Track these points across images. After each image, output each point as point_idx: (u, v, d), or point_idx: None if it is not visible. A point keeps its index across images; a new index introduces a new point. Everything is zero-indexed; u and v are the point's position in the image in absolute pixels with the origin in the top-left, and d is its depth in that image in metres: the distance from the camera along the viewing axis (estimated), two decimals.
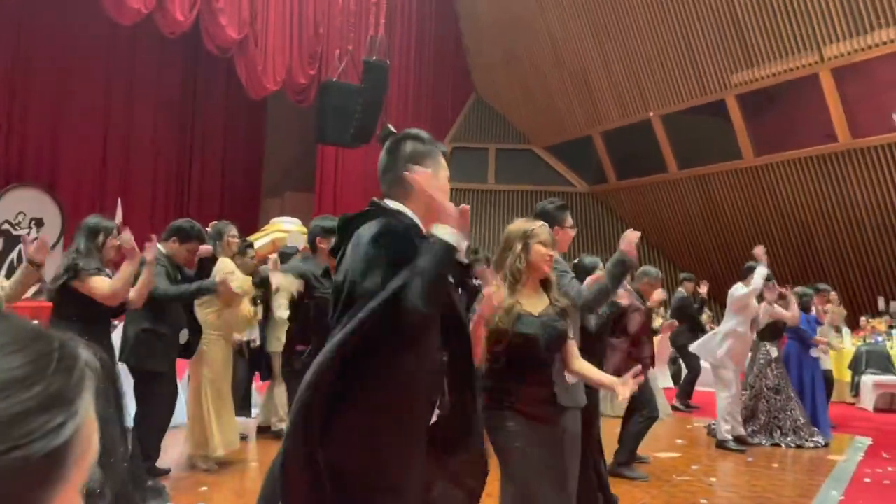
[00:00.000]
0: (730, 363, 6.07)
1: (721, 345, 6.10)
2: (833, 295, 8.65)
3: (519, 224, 2.70)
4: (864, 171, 11.32)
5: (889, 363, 8.27)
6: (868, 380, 7.63)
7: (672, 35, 12.56)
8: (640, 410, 5.02)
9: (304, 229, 5.30)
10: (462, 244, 1.80)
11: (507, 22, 15.11)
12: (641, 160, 14.62)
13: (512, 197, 16.07)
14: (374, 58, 11.19)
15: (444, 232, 1.78)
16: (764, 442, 6.20)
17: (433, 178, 1.90)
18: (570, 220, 3.52)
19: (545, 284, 2.65)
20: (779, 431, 6.23)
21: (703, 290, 8.29)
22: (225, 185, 14.99)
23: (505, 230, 2.72)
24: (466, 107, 16.96)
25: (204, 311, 4.58)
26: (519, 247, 2.60)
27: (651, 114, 13.70)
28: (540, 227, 2.67)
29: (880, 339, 8.53)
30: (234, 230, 4.96)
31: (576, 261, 4.47)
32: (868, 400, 7.84)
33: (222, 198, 14.78)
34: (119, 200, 9.62)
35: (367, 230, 1.85)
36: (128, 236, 3.49)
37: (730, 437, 6.03)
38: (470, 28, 16.33)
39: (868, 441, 6.46)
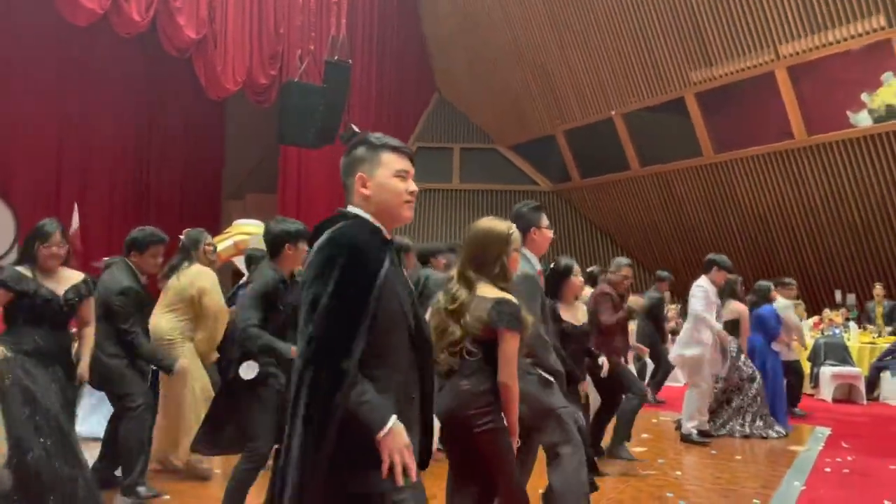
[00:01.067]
0: (711, 358, 6.11)
1: (693, 338, 6.10)
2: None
3: (495, 225, 2.75)
4: (820, 168, 11.57)
5: (846, 354, 8.46)
6: (826, 371, 7.79)
7: (632, 33, 12.70)
8: (628, 392, 5.24)
9: None
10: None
11: (469, 22, 15.12)
12: (604, 158, 14.75)
13: (477, 196, 16.10)
14: (336, 58, 11.11)
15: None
16: (736, 432, 6.27)
17: (371, 181, 2.03)
18: (545, 221, 3.56)
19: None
20: (749, 418, 6.31)
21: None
22: (185, 187, 14.71)
23: (477, 227, 2.75)
24: (430, 107, 16.94)
25: (179, 319, 4.54)
26: (503, 252, 2.70)
27: (613, 112, 13.83)
28: (515, 232, 2.78)
29: (837, 331, 8.72)
30: (209, 238, 4.87)
31: (552, 264, 4.48)
32: (827, 391, 8.01)
33: (182, 200, 14.51)
34: (76, 205, 9.39)
35: (321, 240, 1.98)
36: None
37: (694, 431, 6.11)
38: (432, 28, 16.30)
39: (827, 431, 6.59)
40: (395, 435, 1.83)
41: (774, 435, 6.30)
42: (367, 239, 1.95)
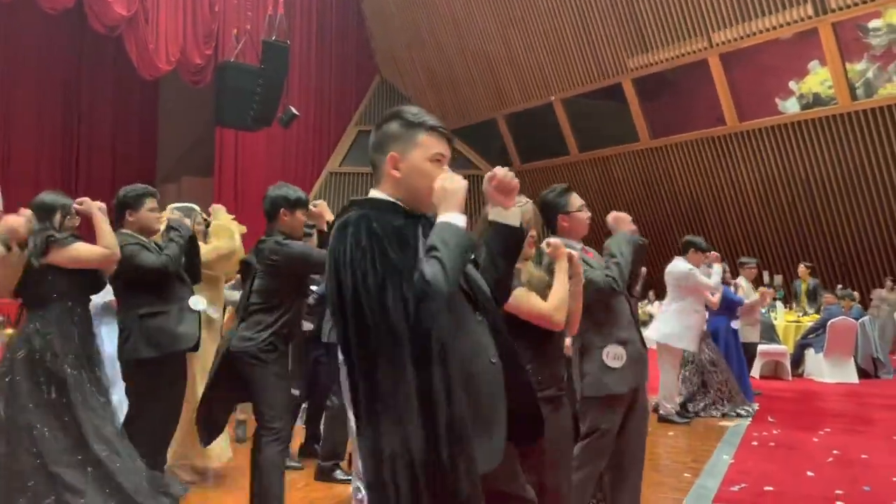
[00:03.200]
0: (689, 343, 6.17)
1: (682, 323, 6.17)
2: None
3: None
4: (749, 153, 11.96)
5: (773, 333, 8.80)
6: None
7: (572, 19, 12.82)
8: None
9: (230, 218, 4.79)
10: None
11: (410, 4, 15.01)
12: (544, 143, 14.91)
13: None
14: (274, 38, 10.90)
15: (448, 217, 1.71)
16: (715, 414, 6.42)
17: (403, 163, 1.79)
18: (576, 203, 3.14)
19: None
20: (723, 402, 6.49)
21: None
22: (116, 170, 14.24)
23: None
24: (371, 90, 16.79)
25: None
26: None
27: (553, 98, 13.97)
28: (527, 204, 2.58)
29: (764, 311, 9.03)
30: (199, 217, 4.51)
31: None
32: (755, 368, 8.32)
33: (113, 183, 13.98)
34: None
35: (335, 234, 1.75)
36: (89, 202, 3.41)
37: (673, 410, 6.23)
38: (373, 10, 16.11)
39: (756, 406, 6.85)
40: (447, 202, 1.73)
41: (744, 413, 6.47)
42: (386, 214, 1.73)
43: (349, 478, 3.83)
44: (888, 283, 11.14)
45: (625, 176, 14.02)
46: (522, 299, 2.43)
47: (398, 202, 1.79)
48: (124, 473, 3.19)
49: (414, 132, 1.81)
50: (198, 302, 3.75)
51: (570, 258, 2.54)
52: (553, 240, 2.44)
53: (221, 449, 4.27)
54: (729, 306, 6.82)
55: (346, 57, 15.73)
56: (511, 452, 1.84)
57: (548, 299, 2.46)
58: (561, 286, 2.47)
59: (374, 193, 1.82)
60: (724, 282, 7.00)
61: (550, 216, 3.11)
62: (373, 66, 16.64)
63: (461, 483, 1.57)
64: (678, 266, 6.22)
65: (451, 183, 1.75)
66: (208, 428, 3.40)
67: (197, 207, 4.57)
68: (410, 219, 1.76)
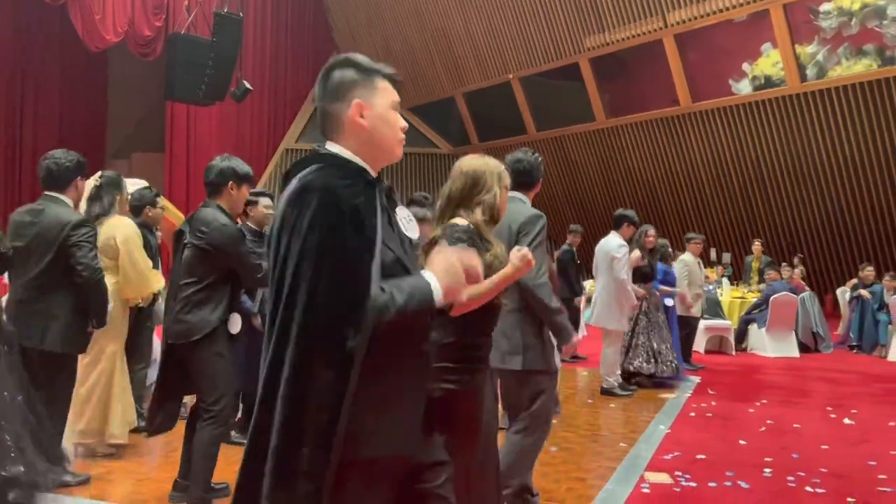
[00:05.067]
0: (618, 322, 6.22)
1: (608, 303, 6.22)
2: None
3: (486, 162, 2.46)
4: (702, 133, 12.12)
5: (719, 309, 8.98)
6: (701, 324, 8.24)
7: None
8: None
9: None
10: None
11: None
12: (502, 122, 14.93)
13: None
14: (226, 10, 10.68)
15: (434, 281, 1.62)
16: (644, 370, 6.50)
17: (369, 110, 1.67)
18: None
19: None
20: (654, 362, 6.55)
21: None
22: (63, 146, 13.68)
23: (466, 165, 2.44)
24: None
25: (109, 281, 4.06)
26: (496, 187, 2.42)
27: (510, 76, 13.96)
28: (505, 170, 2.52)
29: (712, 287, 9.21)
30: (129, 187, 4.45)
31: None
32: (700, 342, 8.49)
33: None
34: None
35: (292, 189, 1.60)
36: None
37: (616, 383, 6.30)
38: None
39: (697, 380, 7.00)
40: (449, 276, 1.62)
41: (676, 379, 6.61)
42: (349, 184, 1.60)
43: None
44: None
45: (581, 155, 14.11)
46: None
47: (362, 165, 1.67)
48: None
49: (372, 78, 1.71)
50: None
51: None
52: (527, 253, 2.26)
53: (124, 425, 4.20)
54: (664, 283, 6.97)
55: (302, 31, 15.49)
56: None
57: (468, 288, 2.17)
58: (488, 287, 2.20)
59: (335, 149, 1.68)
60: (666, 260, 7.13)
61: (536, 179, 3.35)
62: (330, 43, 16.41)
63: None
64: (608, 243, 6.25)
65: (471, 261, 1.68)
66: (159, 420, 3.37)
67: (152, 187, 4.53)
68: (370, 187, 1.65)
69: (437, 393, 2.07)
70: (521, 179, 3.29)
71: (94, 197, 4.11)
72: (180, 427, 3.50)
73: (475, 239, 2.29)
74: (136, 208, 4.68)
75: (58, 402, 3.55)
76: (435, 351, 1.96)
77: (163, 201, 5.18)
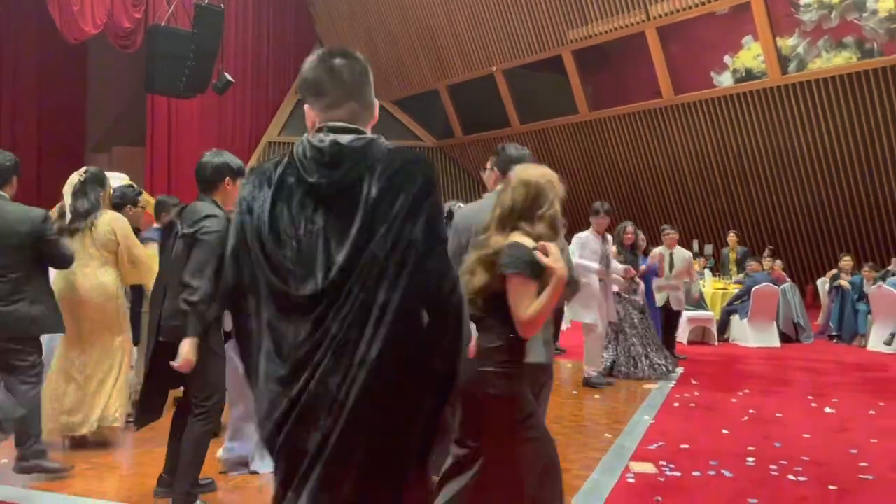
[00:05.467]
0: (590, 315, 6.25)
1: (579, 298, 6.22)
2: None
3: (546, 174, 2.55)
4: (685, 126, 12.19)
5: (702, 300, 9.06)
6: (684, 315, 8.30)
7: None
8: None
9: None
10: None
11: None
12: (486, 115, 14.92)
13: None
14: (207, 1, 10.57)
15: None
16: (631, 375, 6.56)
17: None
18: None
19: None
20: (643, 363, 6.61)
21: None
22: (42, 139, 13.61)
23: (527, 176, 2.52)
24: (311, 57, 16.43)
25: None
26: (557, 202, 2.52)
27: (494, 68, 13.95)
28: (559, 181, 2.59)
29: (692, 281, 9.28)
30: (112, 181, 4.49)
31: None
32: (683, 333, 8.56)
33: (40, 153, 13.41)
34: None
35: (406, 158, 1.64)
36: None
37: (594, 373, 6.33)
38: None
39: (680, 370, 7.06)
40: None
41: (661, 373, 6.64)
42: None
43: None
44: None
45: (564, 148, 14.15)
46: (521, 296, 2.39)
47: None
48: None
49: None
50: None
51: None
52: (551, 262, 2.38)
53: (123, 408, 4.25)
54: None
55: (284, 23, 15.36)
56: None
57: (529, 308, 2.37)
58: (546, 300, 2.37)
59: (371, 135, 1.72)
60: (643, 252, 7.20)
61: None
62: (312, 34, 16.30)
63: None
64: (575, 239, 6.30)
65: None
66: (146, 413, 3.37)
67: (135, 185, 4.52)
68: None
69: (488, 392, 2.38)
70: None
71: (79, 192, 4.11)
72: (165, 422, 3.48)
73: (533, 268, 2.37)
74: (118, 206, 4.65)
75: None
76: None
77: (144, 198, 5.18)
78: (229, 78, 11.30)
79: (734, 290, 9.51)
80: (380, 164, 1.61)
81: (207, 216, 3.18)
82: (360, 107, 1.72)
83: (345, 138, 1.65)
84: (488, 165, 3.31)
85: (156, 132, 12.78)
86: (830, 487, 3.74)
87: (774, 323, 8.86)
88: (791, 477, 3.90)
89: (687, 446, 4.47)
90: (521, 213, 2.48)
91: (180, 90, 10.57)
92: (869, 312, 8.83)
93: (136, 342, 4.79)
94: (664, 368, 6.71)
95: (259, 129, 15.29)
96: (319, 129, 1.69)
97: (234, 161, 3.41)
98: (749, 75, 11.11)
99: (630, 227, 7.00)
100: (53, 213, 4.20)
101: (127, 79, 13.35)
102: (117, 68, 13.67)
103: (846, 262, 9.56)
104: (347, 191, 1.60)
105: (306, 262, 1.59)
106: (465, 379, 1.69)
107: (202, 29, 10.31)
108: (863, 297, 9.01)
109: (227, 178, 3.34)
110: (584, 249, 6.29)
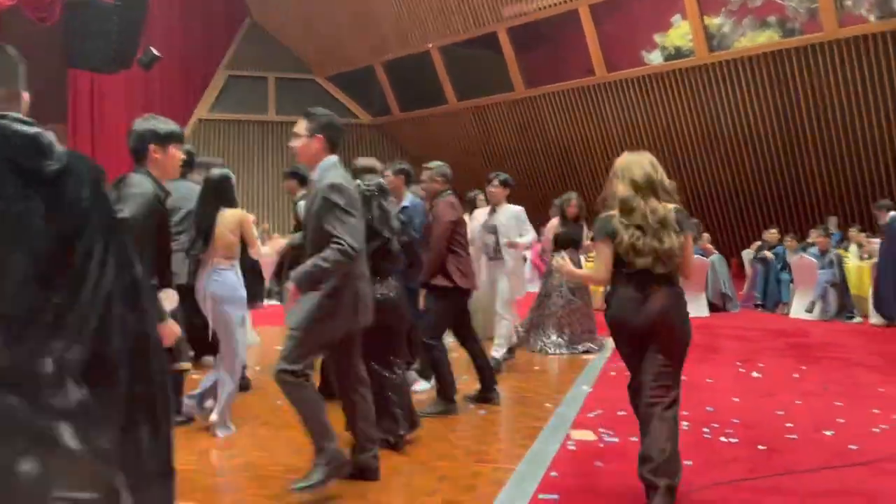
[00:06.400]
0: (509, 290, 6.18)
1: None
2: None
3: (646, 154, 3.30)
4: (617, 103, 12.41)
5: None
6: None
7: None
8: None
9: None
10: None
11: None
12: (423, 92, 14.84)
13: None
14: None
15: None
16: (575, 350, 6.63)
17: None
18: None
19: None
20: (567, 335, 6.69)
21: None
22: None
23: (640, 158, 3.23)
24: (240, 32, 15.99)
25: None
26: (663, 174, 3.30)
27: (430, 45, 13.87)
28: None
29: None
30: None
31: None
32: None
33: None
34: None
35: None
36: None
37: (502, 360, 6.14)
38: None
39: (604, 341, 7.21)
40: None
41: (580, 349, 6.71)
42: None
43: None
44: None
45: (501, 125, 14.23)
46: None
47: None
48: None
49: None
50: None
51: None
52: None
53: None
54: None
55: None
56: None
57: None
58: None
59: None
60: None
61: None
62: (242, 6, 15.83)
63: None
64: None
65: None
66: None
67: None
68: None
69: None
70: None
71: None
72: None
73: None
74: None
75: None
76: None
77: None
78: (155, 53, 10.89)
79: None
80: None
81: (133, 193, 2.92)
82: None
83: None
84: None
85: (78, 110, 12.26)
86: (760, 447, 3.92)
87: (704, 294, 9.18)
88: (723, 439, 4.08)
89: (624, 413, 4.58)
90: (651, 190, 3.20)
91: (104, 65, 10.14)
92: (791, 281, 9.25)
93: None
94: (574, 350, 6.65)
95: (189, 106, 14.82)
96: None
97: (163, 126, 3.05)
98: (678, 53, 11.38)
99: (575, 199, 6.83)
100: None
101: (45, 54, 12.68)
102: (34, 43, 12.96)
103: (772, 234, 9.96)
104: None
105: None
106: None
107: (126, 1, 9.89)
108: (785, 266, 9.42)
109: (152, 145, 3.01)
110: (474, 222, 6.21)
